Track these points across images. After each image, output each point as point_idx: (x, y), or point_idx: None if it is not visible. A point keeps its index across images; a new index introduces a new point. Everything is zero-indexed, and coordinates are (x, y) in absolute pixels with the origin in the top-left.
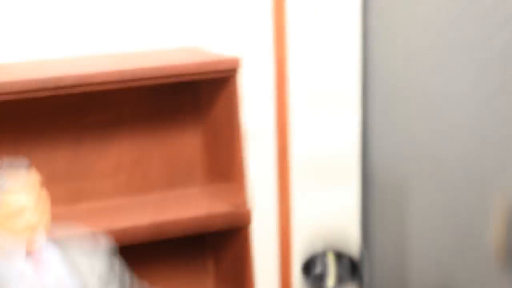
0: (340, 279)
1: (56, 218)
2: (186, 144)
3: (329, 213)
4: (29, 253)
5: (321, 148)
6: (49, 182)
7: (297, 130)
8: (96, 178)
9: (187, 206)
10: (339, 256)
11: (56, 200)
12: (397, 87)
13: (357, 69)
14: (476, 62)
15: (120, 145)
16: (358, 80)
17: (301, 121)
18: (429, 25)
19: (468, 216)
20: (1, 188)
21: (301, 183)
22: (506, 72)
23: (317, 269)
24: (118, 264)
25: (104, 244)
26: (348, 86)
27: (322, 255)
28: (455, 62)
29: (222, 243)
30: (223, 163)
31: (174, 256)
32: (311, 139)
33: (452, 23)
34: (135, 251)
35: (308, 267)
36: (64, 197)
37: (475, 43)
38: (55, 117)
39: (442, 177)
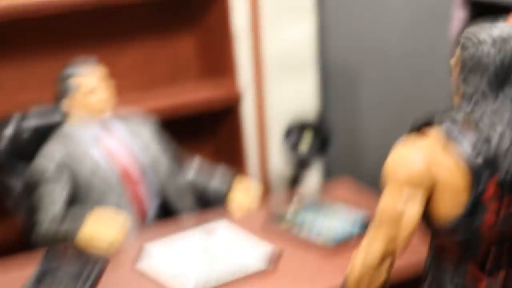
0: (311, 147)
1: None
2: (184, 47)
3: (294, 98)
4: (101, 124)
5: (286, 46)
6: None
7: (267, 34)
8: (116, 76)
9: (190, 94)
10: (312, 130)
11: None
12: None
13: None
14: None
15: (132, 50)
16: None
17: (270, 27)
18: None
19: (406, 98)
20: (79, 73)
21: (272, 75)
22: None
23: (293, 138)
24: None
25: (152, 119)
26: None
27: (298, 127)
28: None
29: (218, 122)
30: (216, 60)
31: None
32: (278, 40)
33: None
34: None
35: (287, 136)
36: None
37: None
38: (94, 28)
39: (385, 65)
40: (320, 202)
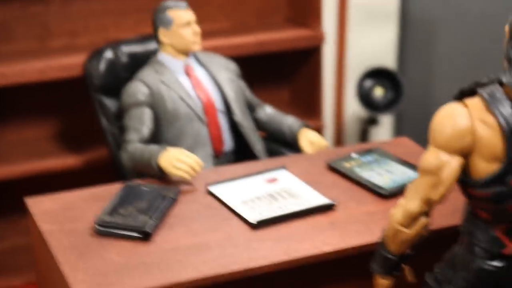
0: (384, 97)
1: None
2: None
3: (374, 47)
4: (186, 71)
5: None
6: None
7: None
8: (208, 20)
9: (275, 33)
10: (387, 80)
11: None
12: None
13: None
14: None
15: None
16: None
17: None
18: None
19: (482, 58)
20: (176, 7)
21: (356, 22)
22: None
23: (369, 84)
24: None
25: (234, 62)
26: None
27: (375, 75)
28: None
29: (300, 64)
30: (303, 4)
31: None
32: None
33: None
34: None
35: (363, 81)
36: None
37: None
38: None
39: (464, 23)
40: (381, 154)
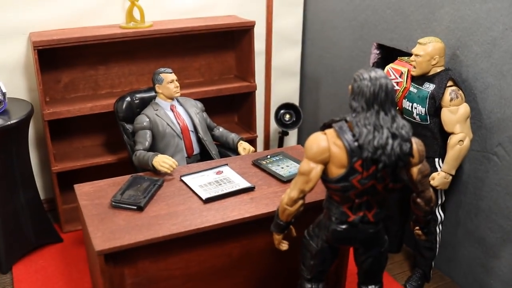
0: (291, 117)
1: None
2: (228, 58)
3: (285, 90)
4: (174, 100)
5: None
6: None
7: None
8: (192, 71)
9: (227, 85)
10: (292, 109)
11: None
12: None
13: None
14: None
15: (198, 60)
16: None
17: None
18: None
19: (343, 97)
20: (165, 71)
21: (275, 77)
22: None
23: (281, 113)
24: None
25: (199, 102)
26: None
27: (285, 107)
28: None
29: (241, 102)
30: (244, 70)
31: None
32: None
33: None
34: None
35: (278, 111)
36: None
37: None
38: (181, 44)
39: (334, 77)
40: (284, 155)
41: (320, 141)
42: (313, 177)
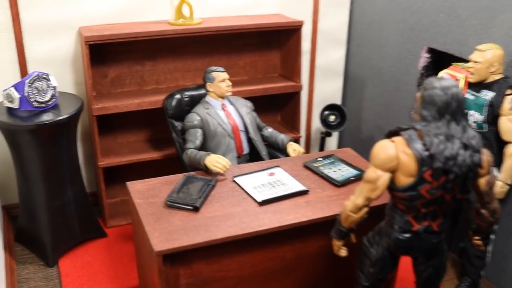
0: (336, 118)
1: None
2: (273, 57)
3: (329, 90)
4: (222, 107)
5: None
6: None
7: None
8: (237, 69)
9: (274, 83)
10: (337, 109)
11: None
12: None
13: None
14: None
15: (244, 59)
16: None
17: None
18: None
19: (389, 98)
20: (217, 70)
21: (318, 78)
22: None
23: (326, 113)
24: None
25: (249, 101)
26: None
27: (329, 108)
28: None
29: (288, 99)
30: (289, 68)
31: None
32: None
33: None
34: None
35: (323, 112)
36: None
37: None
38: (228, 41)
39: (380, 77)
40: (336, 158)
41: (388, 148)
42: (380, 185)
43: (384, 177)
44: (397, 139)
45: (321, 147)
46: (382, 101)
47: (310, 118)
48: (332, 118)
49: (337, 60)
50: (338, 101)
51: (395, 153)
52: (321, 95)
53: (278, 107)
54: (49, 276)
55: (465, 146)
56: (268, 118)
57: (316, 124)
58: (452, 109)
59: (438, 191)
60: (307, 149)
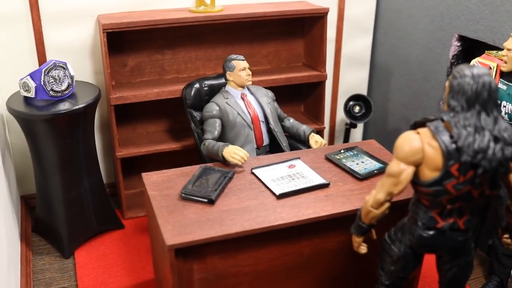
0: (361, 109)
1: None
2: (297, 46)
3: (355, 80)
4: (242, 97)
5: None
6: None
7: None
8: (257, 64)
9: (298, 72)
10: (362, 101)
11: None
12: None
13: None
14: None
15: (267, 47)
16: None
17: None
18: None
19: (418, 88)
20: (237, 59)
21: (344, 67)
22: None
23: (351, 104)
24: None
25: (270, 91)
26: None
27: (355, 98)
28: None
29: (309, 92)
30: (314, 56)
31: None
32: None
33: None
34: None
35: (347, 102)
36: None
37: None
38: (250, 29)
39: (408, 67)
40: (359, 151)
41: (412, 140)
42: (404, 179)
43: (408, 171)
44: (423, 131)
45: (346, 139)
46: (410, 91)
47: (335, 109)
48: (357, 109)
49: (363, 49)
50: (363, 91)
51: (420, 145)
52: (346, 85)
53: (301, 97)
54: (64, 268)
55: (496, 139)
56: (291, 108)
57: (341, 115)
58: (483, 99)
59: (465, 187)
60: (331, 141)
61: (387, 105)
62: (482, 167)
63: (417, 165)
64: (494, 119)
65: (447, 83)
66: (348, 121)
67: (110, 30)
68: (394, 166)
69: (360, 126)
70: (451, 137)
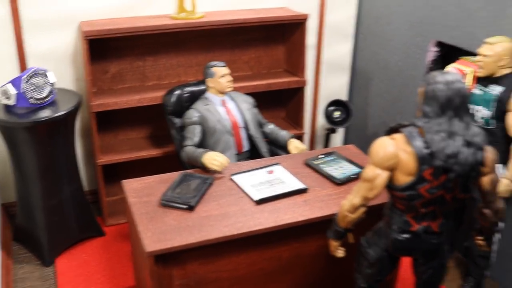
0: (341, 114)
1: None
2: (278, 52)
3: (335, 86)
4: (222, 104)
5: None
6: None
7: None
8: (241, 65)
9: (279, 78)
10: (342, 104)
11: None
12: None
13: None
14: None
15: (248, 53)
16: None
17: None
18: None
19: (397, 94)
20: (217, 65)
21: (324, 74)
22: None
23: (331, 109)
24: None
25: (250, 97)
26: None
27: (334, 103)
28: None
29: (290, 98)
30: (294, 62)
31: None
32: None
33: None
34: None
35: (327, 108)
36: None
37: None
38: (231, 36)
39: (387, 72)
40: (337, 155)
41: (387, 146)
42: (378, 184)
43: (383, 176)
44: (397, 136)
45: (326, 144)
46: (389, 96)
47: (315, 114)
48: (336, 114)
49: (343, 55)
50: (344, 96)
51: (394, 150)
52: (327, 90)
53: (282, 103)
54: (45, 276)
55: (468, 144)
56: (273, 114)
57: (322, 120)
58: (455, 105)
59: (439, 191)
60: (312, 146)
61: (367, 110)
62: (454, 172)
63: (392, 170)
64: (466, 124)
65: (420, 90)
66: (328, 126)
67: (91, 37)
68: (369, 171)
69: (341, 131)
70: (425, 142)
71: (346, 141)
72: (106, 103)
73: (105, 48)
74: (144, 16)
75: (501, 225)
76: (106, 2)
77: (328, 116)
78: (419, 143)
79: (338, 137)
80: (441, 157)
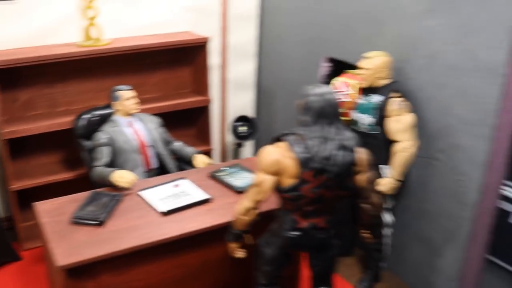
0: (248, 129)
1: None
2: (184, 74)
3: (241, 103)
4: (132, 116)
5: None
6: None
7: (229, 68)
8: (149, 87)
9: (185, 98)
10: (248, 120)
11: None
12: None
13: None
14: None
15: (154, 76)
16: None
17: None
18: None
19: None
20: (122, 89)
21: (231, 91)
22: None
23: (237, 124)
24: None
25: (157, 117)
26: None
27: (241, 119)
28: None
29: (197, 116)
30: (199, 83)
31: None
32: (235, 71)
33: None
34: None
35: (234, 123)
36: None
37: None
38: (138, 60)
39: (287, 88)
40: (240, 167)
41: (271, 154)
42: (265, 187)
43: (269, 180)
44: (280, 144)
45: (236, 157)
46: (291, 110)
47: (224, 130)
48: (242, 129)
49: (248, 73)
50: (251, 112)
51: (277, 157)
52: (234, 107)
53: (192, 122)
54: None
55: (340, 147)
56: (183, 132)
57: (229, 136)
58: (327, 113)
59: (320, 190)
60: (223, 160)
61: (272, 125)
62: (330, 172)
63: (277, 174)
64: (338, 129)
65: (298, 102)
66: (236, 141)
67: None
68: (257, 177)
69: (250, 144)
70: (305, 148)
71: (256, 153)
72: (17, 130)
73: (14, 77)
74: (53, 44)
75: (389, 219)
76: (13, 32)
77: (234, 131)
78: (299, 149)
79: (247, 150)
80: (318, 160)
